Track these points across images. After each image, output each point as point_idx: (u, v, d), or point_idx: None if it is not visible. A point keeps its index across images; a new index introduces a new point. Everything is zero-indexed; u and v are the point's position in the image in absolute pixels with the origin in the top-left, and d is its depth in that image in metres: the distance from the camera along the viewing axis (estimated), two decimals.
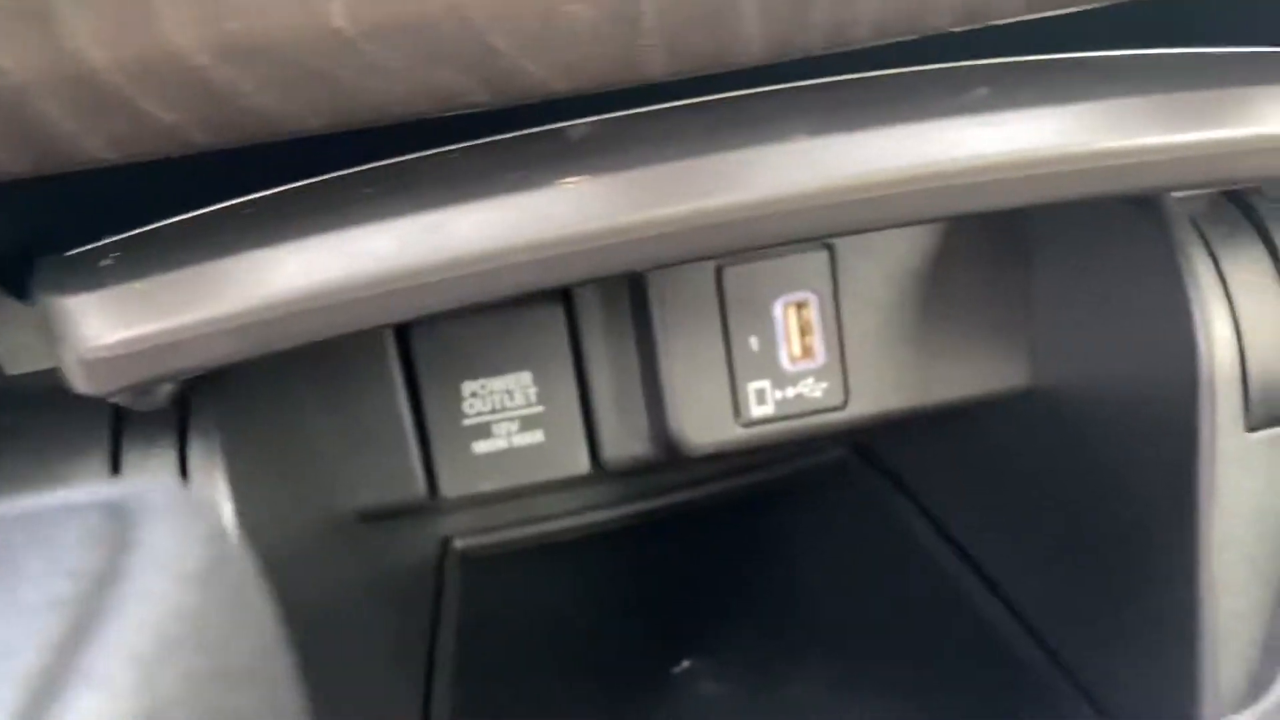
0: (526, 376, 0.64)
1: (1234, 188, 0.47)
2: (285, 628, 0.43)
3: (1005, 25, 0.36)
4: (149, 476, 0.42)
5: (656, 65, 0.33)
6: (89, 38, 0.30)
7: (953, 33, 0.36)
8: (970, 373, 0.64)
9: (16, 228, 0.46)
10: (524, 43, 0.32)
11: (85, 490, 0.20)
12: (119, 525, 0.18)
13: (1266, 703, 0.50)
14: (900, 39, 0.35)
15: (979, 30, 0.36)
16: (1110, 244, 0.54)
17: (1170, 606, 0.51)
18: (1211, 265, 0.48)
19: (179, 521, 0.19)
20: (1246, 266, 0.48)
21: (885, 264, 0.62)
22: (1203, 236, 0.49)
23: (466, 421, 0.64)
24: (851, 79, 0.39)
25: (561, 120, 0.37)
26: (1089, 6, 0.37)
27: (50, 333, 0.34)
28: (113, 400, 0.37)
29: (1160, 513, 0.51)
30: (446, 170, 0.35)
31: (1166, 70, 0.38)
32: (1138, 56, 0.39)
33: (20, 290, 0.46)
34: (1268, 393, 0.48)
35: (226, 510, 0.42)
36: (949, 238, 0.62)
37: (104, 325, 0.33)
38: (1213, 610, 0.49)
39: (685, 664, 0.67)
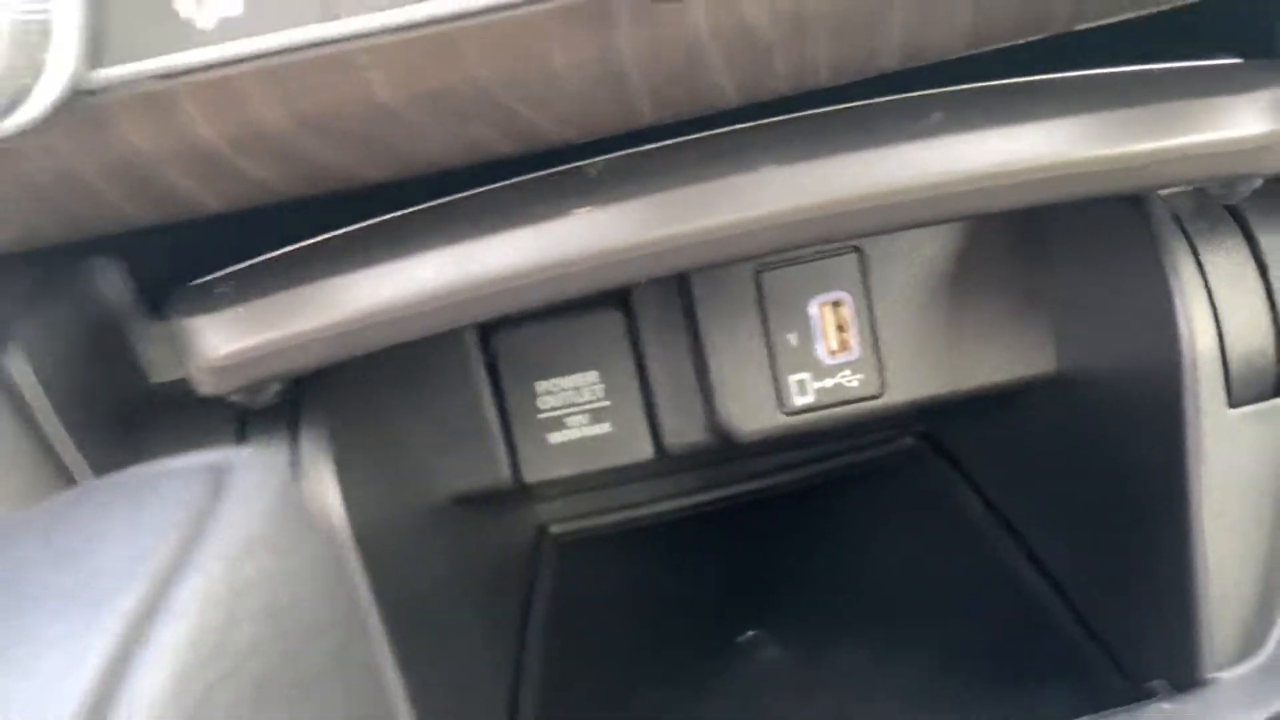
0: (594, 374, 0.72)
1: (1190, 187, 0.52)
2: (382, 590, 0.51)
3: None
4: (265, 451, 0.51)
5: (645, 113, 0.41)
6: (200, 119, 0.39)
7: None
8: (1000, 359, 0.69)
9: (156, 263, 0.56)
10: (533, 103, 0.39)
11: (197, 456, 0.28)
12: (219, 476, 0.27)
13: (1261, 657, 0.55)
14: (855, 79, 0.42)
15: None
16: (1110, 241, 0.58)
17: (1171, 570, 0.56)
18: (1192, 257, 0.53)
19: (261, 473, 0.27)
20: (1226, 257, 0.53)
21: (913, 264, 0.68)
22: (1185, 231, 0.53)
23: (542, 415, 0.72)
24: (840, 109, 0.46)
25: (577, 159, 0.44)
26: (1030, 39, 0.43)
27: (180, 348, 0.44)
28: (231, 399, 0.47)
29: (1158, 487, 0.56)
30: (487, 206, 0.43)
31: (1122, 86, 0.43)
32: (1091, 76, 0.44)
33: (161, 313, 0.56)
34: (1248, 371, 0.52)
35: (333, 487, 0.50)
36: (973, 238, 0.67)
37: (218, 340, 0.42)
38: (1205, 574, 0.54)
39: (749, 633, 0.74)
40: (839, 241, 0.45)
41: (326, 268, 0.43)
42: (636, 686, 0.70)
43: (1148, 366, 0.56)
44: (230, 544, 0.24)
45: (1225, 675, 0.54)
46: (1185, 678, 0.55)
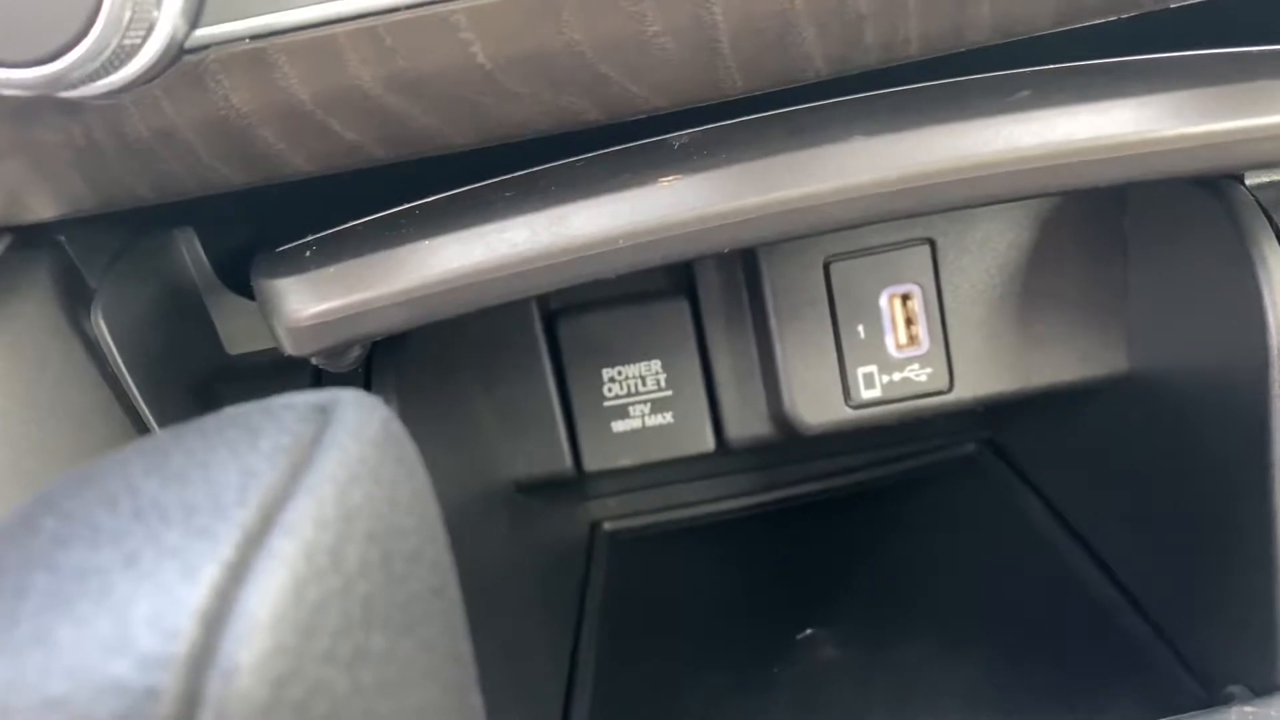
0: (657, 364, 0.72)
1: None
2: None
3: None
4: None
5: (735, 84, 0.41)
6: (296, 79, 0.39)
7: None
8: (1071, 358, 0.68)
9: (233, 236, 0.57)
10: (627, 70, 0.40)
11: (301, 394, 0.28)
12: (325, 411, 0.27)
13: None
14: (946, 53, 0.41)
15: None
16: (1191, 234, 0.57)
17: (1250, 574, 0.55)
18: (1279, 246, 0.51)
19: (364, 408, 0.27)
20: None
21: (985, 257, 0.67)
22: (1270, 220, 0.52)
23: (606, 404, 0.72)
24: (927, 85, 0.45)
25: (662, 132, 0.44)
26: (1114, 18, 0.42)
27: (264, 309, 0.44)
28: (314, 360, 0.47)
29: (1242, 490, 0.55)
30: (571, 176, 0.44)
31: (1212, 66, 0.43)
32: (1182, 58, 0.44)
33: (237, 286, 0.57)
34: None
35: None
36: (1046, 231, 0.67)
37: (305, 301, 0.43)
38: None
39: (808, 631, 0.73)
40: (926, 214, 0.44)
41: (411, 233, 0.43)
42: (692, 683, 0.70)
43: (1231, 363, 0.55)
44: (339, 470, 0.24)
45: None
46: (1265, 683, 0.54)
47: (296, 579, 0.21)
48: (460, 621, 0.30)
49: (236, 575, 0.21)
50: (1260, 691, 0.54)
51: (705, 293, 0.70)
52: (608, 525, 0.87)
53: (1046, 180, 0.41)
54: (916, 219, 0.66)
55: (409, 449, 0.27)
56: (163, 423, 0.50)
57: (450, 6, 0.37)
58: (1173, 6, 0.42)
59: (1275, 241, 0.52)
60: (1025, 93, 0.42)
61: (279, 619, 0.21)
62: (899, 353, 0.68)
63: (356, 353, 0.48)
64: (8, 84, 0.36)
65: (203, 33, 0.38)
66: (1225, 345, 0.56)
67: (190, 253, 0.57)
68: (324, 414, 0.27)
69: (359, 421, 0.26)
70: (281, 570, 0.21)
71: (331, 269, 0.43)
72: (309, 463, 0.24)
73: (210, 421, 0.27)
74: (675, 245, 0.42)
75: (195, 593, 0.20)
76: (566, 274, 0.42)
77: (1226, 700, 0.55)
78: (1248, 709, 0.52)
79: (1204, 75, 0.42)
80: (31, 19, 0.35)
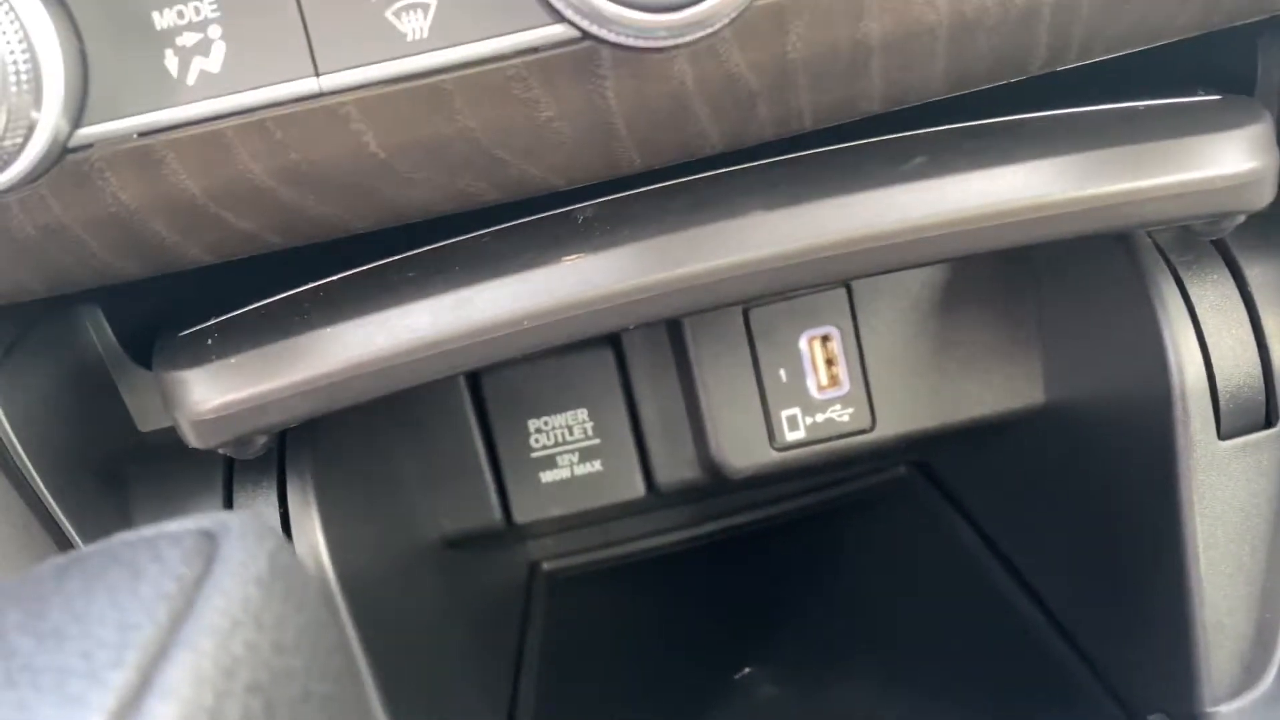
0: (584, 413, 0.72)
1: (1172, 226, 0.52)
2: (370, 638, 0.50)
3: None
4: (254, 511, 0.50)
5: (634, 162, 0.41)
6: (186, 174, 0.39)
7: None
8: (989, 392, 0.69)
9: (140, 312, 0.56)
10: (523, 153, 0.40)
11: (188, 520, 0.28)
12: (211, 543, 0.26)
13: (1259, 690, 0.55)
14: (840, 123, 0.42)
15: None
16: (1096, 274, 0.59)
17: (1167, 603, 0.56)
18: (1178, 290, 0.53)
19: (250, 540, 0.27)
20: (1212, 290, 0.53)
21: (901, 298, 0.68)
22: (1170, 265, 0.54)
23: (534, 454, 0.72)
24: (825, 151, 0.46)
25: (563, 204, 0.44)
26: (1008, 80, 0.43)
27: (166, 400, 0.44)
28: (220, 451, 0.46)
29: (1151, 517, 0.56)
30: (476, 253, 0.43)
31: (1103, 126, 0.44)
32: (1072, 115, 0.45)
33: (147, 361, 0.56)
34: (1237, 403, 0.53)
35: (318, 537, 0.50)
36: (960, 271, 0.68)
37: (206, 393, 0.42)
38: (1201, 606, 0.54)
39: (746, 670, 0.73)
40: (828, 283, 0.45)
41: (314, 318, 0.42)
42: None
43: (1137, 400, 0.56)
44: (220, 619, 0.24)
45: (1224, 709, 0.54)
46: (1184, 711, 0.55)
47: None
48: None
49: None
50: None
51: (629, 341, 0.70)
52: (546, 565, 0.86)
53: (939, 249, 0.42)
54: None
55: (299, 578, 0.27)
56: (70, 514, 0.49)
57: (339, 99, 0.37)
58: (1059, 70, 0.43)
59: (1174, 283, 0.53)
60: (920, 159, 0.42)
61: None
62: (821, 394, 0.69)
63: (264, 440, 0.47)
64: None
65: (85, 132, 0.37)
66: (1132, 380, 0.57)
67: (96, 329, 0.56)
68: (210, 546, 0.26)
69: (245, 557, 0.26)
70: None
71: (233, 359, 0.42)
72: (189, 610, 0.24)
73: (94, 558, 0.27)
74: (579, 324, 0.42)
75: None
76: (470, 358, 0.42)
77: None
78: None
79: (1096, 135, 0.43)
80: None
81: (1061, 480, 0.68)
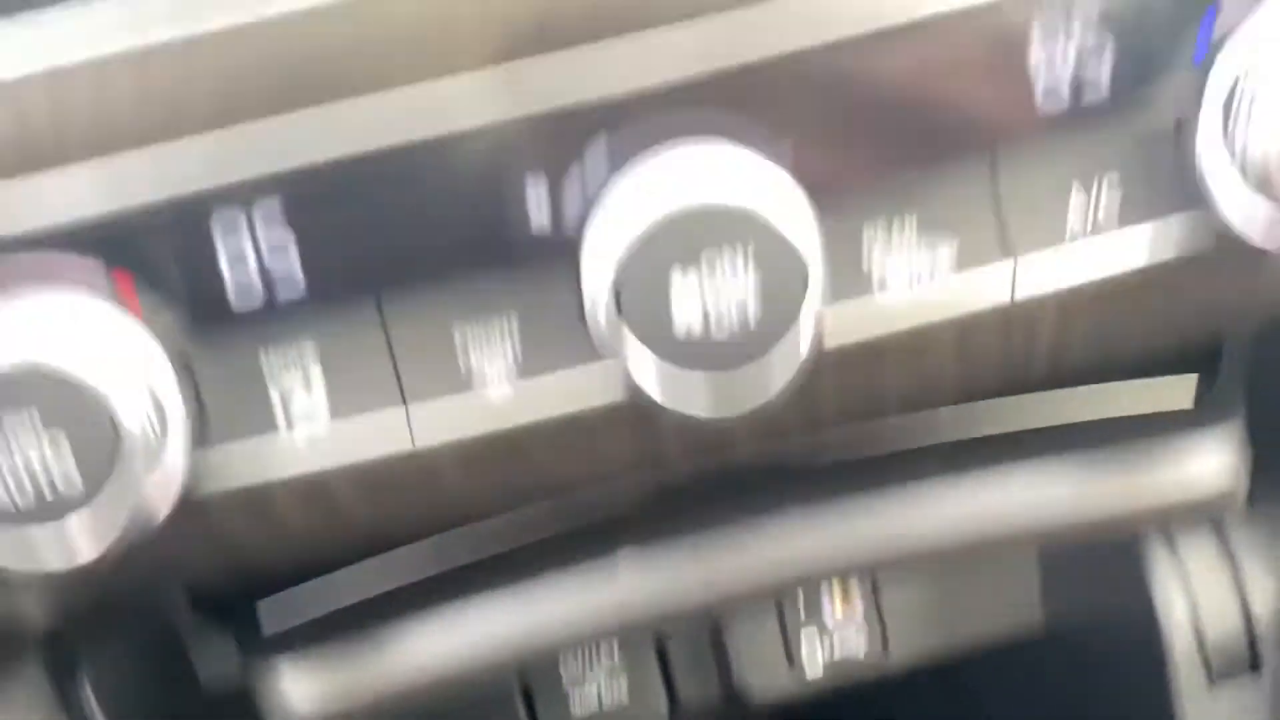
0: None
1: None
2: None
3: None
4: None
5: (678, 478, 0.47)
6: (290, 514, 0.44)
7: None
8: (989, 614, 0.73)
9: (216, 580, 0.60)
10: (581, 482, 0.45)
11: None
12: None
13: None
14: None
15: None
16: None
17: None
18: (1168, 552, 0.58)
19: None
20: (1199, 551, 0.58)
21: None
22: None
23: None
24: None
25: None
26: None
27: (262, 701, 0.48)
28: None
29: None
30: (541, 562, 0.49)
31: (1086, 447, 0.51)
32: (1055, 433, 0.51)
33: (218, 627, 0.60)
34: (1224, 654, 0.58)
35: None
36: None
37: (303, 698, 0.47)
38: None
39: None
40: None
41: (401, 622, 0.48)
42: None
43: (1128, 647, 0.61)
44: None
45: None
46: None
47: None
48: None
49: None
50: None
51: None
52: None
53: (954, 550, 0.48)
54: None
55: None
56: None
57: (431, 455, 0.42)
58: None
59: (1165, 545, 0.59)
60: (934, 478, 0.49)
61: None
62: (835, 621, 0.73)
63: None
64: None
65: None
66: (1120, 630, 0.62)
67: (170, 600, 0.59)
68: None
69: None
70: None
71: (325, 669, 0.47)
72: None
73: None
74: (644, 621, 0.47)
75: None
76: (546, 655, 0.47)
77: None
78: None
79: (1099, 451, 0.50)
80: None
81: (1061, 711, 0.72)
